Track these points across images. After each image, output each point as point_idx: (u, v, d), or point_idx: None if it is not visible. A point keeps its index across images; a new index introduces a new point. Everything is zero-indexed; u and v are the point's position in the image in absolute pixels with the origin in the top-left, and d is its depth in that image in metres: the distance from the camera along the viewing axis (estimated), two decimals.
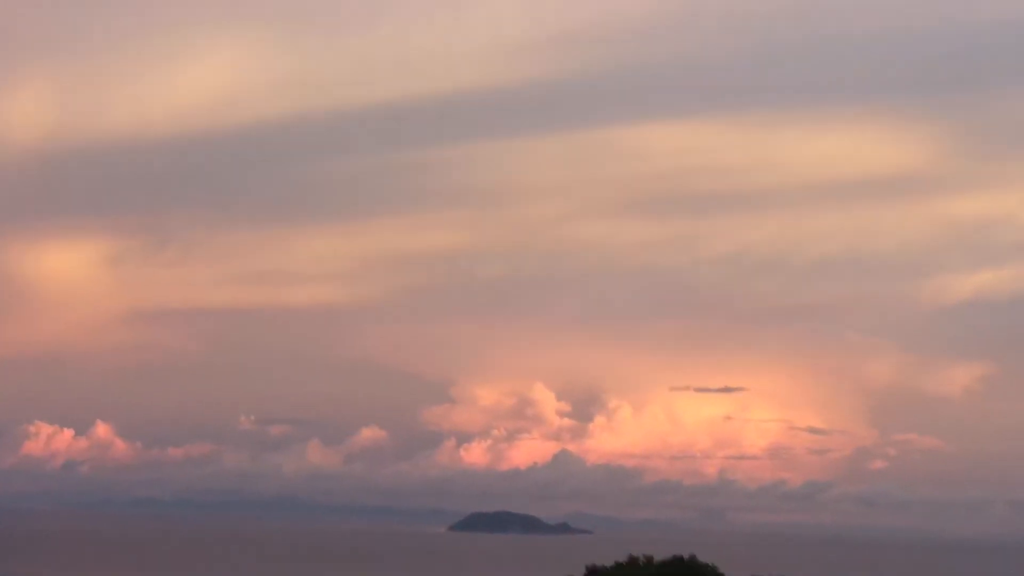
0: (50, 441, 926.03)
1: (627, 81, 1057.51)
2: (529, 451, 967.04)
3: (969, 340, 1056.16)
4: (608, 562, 44.93)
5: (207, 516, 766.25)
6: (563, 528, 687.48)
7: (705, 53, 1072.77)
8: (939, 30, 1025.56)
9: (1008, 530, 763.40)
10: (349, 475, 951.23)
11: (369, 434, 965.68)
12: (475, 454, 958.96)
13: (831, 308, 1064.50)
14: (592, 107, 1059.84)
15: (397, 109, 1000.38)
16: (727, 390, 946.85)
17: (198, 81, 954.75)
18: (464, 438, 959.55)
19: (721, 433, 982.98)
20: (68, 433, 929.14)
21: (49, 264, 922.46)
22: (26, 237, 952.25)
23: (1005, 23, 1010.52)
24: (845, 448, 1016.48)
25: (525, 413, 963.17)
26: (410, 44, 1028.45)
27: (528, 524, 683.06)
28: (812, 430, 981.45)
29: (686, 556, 44.21)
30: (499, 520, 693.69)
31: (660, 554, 44.67)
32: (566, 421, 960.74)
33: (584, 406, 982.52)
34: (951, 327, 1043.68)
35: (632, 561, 44.33)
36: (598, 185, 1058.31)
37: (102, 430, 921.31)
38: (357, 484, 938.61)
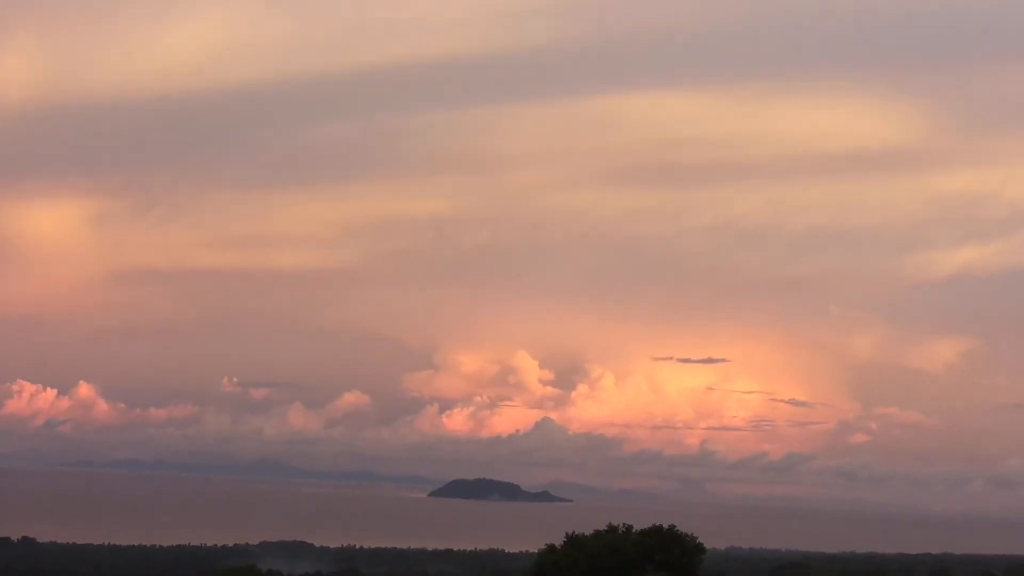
0: (32, 400, 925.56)
1: (615, 51, 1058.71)
2: (511, 419, 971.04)
3: (953, 315, 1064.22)
4: (588, 530, 45.02)
5: (188, 478, 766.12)
6: (544, 496, 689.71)
7: (693, 25, 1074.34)
8: (930, 7, 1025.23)
9: (987, 506, 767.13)
10: (330, 439, 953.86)
11: (351, 399, 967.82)
12: (457, 421, 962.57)
13: (815, 281, 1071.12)
14: (580, 76, 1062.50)
15: (385, 74, 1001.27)
16: (710, 361, 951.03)
17: (186, 42, 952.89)
18: (446, 405, 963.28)
19: (703, 404, 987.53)
20: (51, 393, 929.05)
21: (33, 223, 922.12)
22: (9, 196, 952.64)
23: (995, 2, 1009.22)
24: (827, 421, 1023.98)
25: (507, 381, 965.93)
26: (399, 9, 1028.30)
27: (509, 491, 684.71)
28: (794, 402, 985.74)
29: (666, 526, 44.30)
30: (480, 487, 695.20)
31: (640, 524, 44.73)
32: (548, 389, 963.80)
33: (567, 375, 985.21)
34: (935, 302, 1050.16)
35: (612, 530, 44.39)
36: (584, 155, 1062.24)
37: (85, 390, 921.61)
38: (338, 449, 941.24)
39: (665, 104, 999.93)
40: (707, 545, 46.51)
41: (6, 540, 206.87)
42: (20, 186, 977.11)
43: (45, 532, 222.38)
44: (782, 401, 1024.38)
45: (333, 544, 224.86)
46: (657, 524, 44.79)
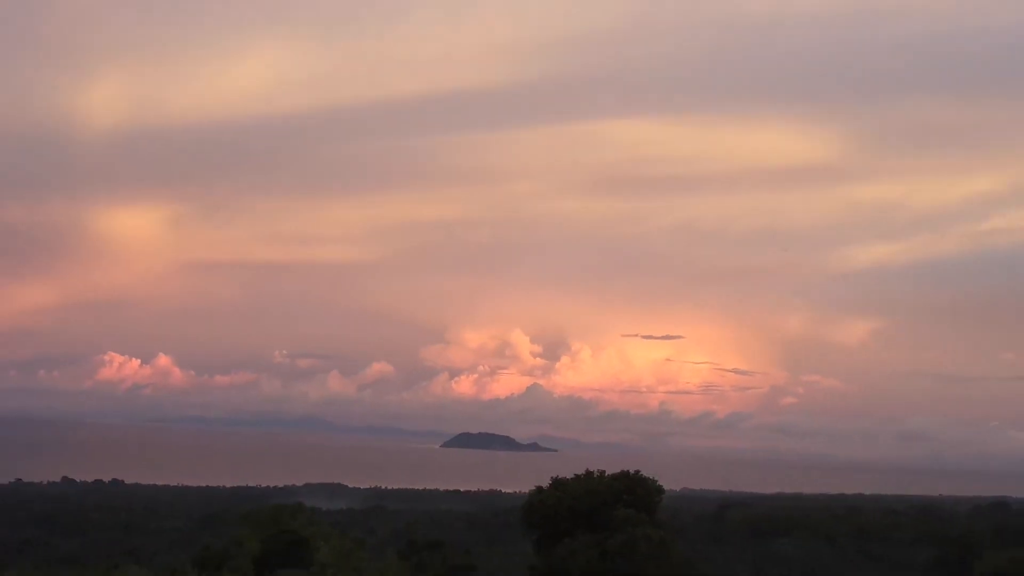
0: (120, 368, 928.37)
1: (594, 86, 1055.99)
2: (507, 384, 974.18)
3: (865, 301, 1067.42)
4: (570, 475, 44.98)
5: (245, 431, 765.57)
6: (534, 447, 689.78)
7: (657, 67, 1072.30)
8: (845, 50, 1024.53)
9: (892, 455, 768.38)
10: (361, 400, 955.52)
11: (378, 368, 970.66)
12: (463, 386, 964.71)
13: (754, 273, 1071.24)
14: (566, 106, 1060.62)
15: (405, 104, 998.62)
16: (668, 337, 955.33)
17: (245, 76, 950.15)
18: (455, 372, 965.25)
19: (662, 372, 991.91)
20: (135, 362, 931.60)
21: (122, 224, 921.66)
22: (104, 201, 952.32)
23: (899, 46, 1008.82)
24: (763, 386, 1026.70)
25: (504, 353, 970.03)
26: (417, 49, 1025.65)
27: (505, 443, 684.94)
28: (736, 371, 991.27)
29: (632, 471, 44.24)
30: (482, 439, 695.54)
31: (611, 469, 44.67)
32: (538, 360, 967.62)
33: (553, 348, 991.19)
34: (851, 290, 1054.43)
35: (589, 474, 44.33)
36: (568, 169, 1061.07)
37: (163, 360, 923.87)
38: (367, 408, 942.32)
39: (635, 129, 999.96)
40: (665, 487, 46.28)
41: (99, 481, 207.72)
42: (111, 194, 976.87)
43: (131, 475, 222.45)
44: (727, 370, 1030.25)
45: (363, 485, 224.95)
46: (625, 470, 44.65)
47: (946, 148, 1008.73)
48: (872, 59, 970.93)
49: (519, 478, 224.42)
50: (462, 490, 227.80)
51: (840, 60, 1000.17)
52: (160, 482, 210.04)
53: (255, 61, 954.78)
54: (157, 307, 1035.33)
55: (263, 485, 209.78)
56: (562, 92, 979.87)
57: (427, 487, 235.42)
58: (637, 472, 44.18)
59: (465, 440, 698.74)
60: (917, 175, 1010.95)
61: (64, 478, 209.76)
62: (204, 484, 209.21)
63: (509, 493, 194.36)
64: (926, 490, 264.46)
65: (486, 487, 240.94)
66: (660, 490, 44.21)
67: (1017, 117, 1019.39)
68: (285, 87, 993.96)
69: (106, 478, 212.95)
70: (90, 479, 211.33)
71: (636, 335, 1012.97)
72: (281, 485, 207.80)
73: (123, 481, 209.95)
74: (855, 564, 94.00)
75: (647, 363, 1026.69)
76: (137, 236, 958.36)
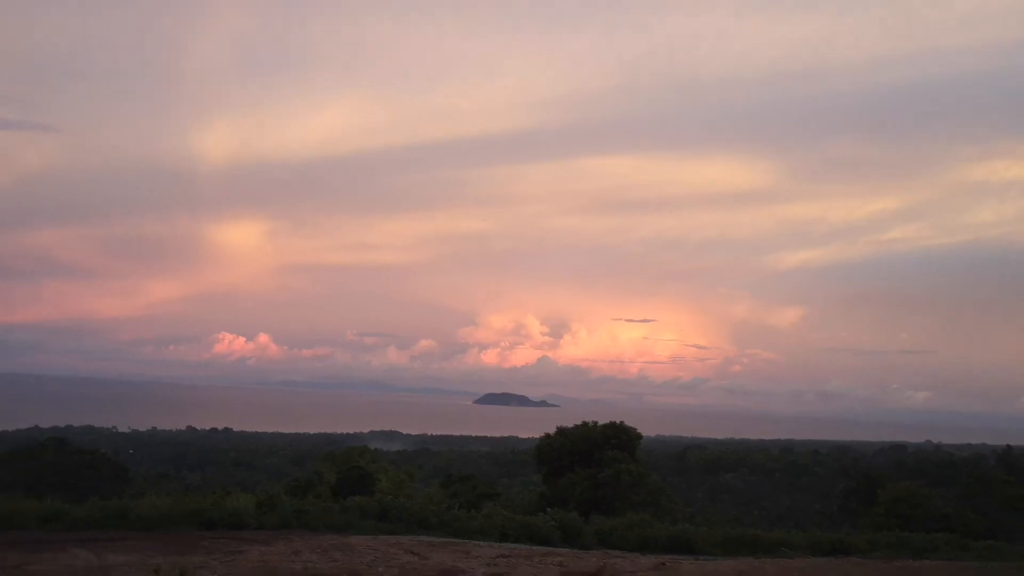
0: (231, 344, 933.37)
1: (587, 131, 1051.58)
2: (523, 355, 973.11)
3: (794, 293, 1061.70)
4: (570, 425, 45.02)
5: (324, 392, 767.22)
6: (543, 404, 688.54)
7: (635, 114, 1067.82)
8: (777, 103, 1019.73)
9: (817, 409, 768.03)
10: (413, 368, 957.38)
11: (425, 343, 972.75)
12: (489, 357, 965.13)
13: (709, 271, 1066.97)
14: (565, 146, 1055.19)
15: (445, 144, 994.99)
16: (645, 320, 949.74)
17: (323, 123, 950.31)
18: (483, 347, 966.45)
19: (640, 347, 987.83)
20: (242, 340, 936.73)
21: (231, 235, 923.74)
22: (218, 218, 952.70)
23: (817, 98, 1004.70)
24: (717, 358, 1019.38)
25: (520, 332, 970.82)
26: (454, 102, 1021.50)
27: (521, 401, 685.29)
28: (697, 346, 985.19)
29: (618, 422, 44.26)
30: (504, 398, 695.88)
31: (602, 420, 44.66)
32: (546, 338, 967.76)
33: (557, 328, 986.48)
34: (783, 285, 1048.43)
35: (584, 424, 44.37)
36: (568, 195, 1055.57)
37: (263, 338, 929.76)
38: (417, 374, 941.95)
39: (618, 164, 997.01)
40: (644, 434, 46.28)
41: (215, 429, 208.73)
42: (223, 213, 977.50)
43: (238, 425, 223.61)
44: (689, 345, 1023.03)
45: (413, 432, 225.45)
46: (612, 421, 44.66)
47: (854, 176, 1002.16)
48: (798, 109, 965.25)
49: (532, 427, 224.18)
50: (488, 436, 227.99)
51: (773, 110, 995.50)
52: (261, 430, 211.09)
53: (332, 111, 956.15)
54: (258, 298, 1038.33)
55: (339, 432, 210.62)
56: (563, 136, 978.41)
57: (461, 434, 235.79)
58: (621, 423, 44.16)
59: (490, 398, 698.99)
60: (832, 198, 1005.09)
61: (188, 427, 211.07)
62: (294, 431, 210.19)
63: (524, 438, 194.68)
64: (842, 436, 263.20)
65: (506, 434, 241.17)
66: (638, 436, 44.21)
67: (907, 152, 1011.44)
68: (353, 131, 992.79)
69: (220, 427, 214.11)
70: (208, 427, 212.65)
71: (621, 319, 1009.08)
72: (351, 432, 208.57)
73: (232, 429, 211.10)
74: (787, 493, 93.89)
75: (629, 340, 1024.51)
76: (242, 245, 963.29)
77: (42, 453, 57.10)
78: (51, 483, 45.62)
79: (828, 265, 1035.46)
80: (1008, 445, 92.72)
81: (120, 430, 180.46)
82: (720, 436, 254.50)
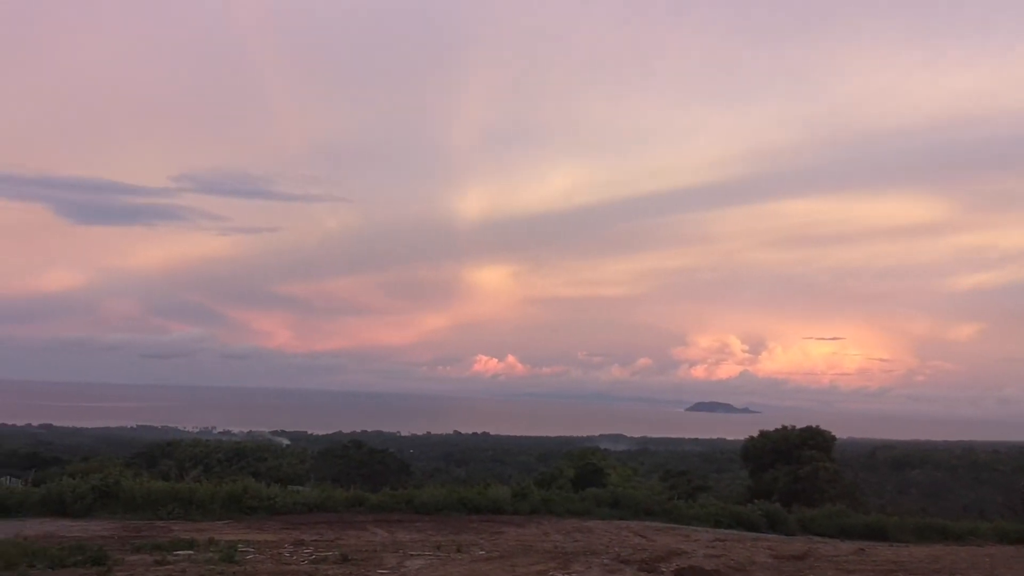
0: (486, 364, 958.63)
1: (774, 180, 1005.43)
2: (727, 370, 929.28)
3: (970, 311, 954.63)
4: (771, 428, 43.27)
5: (559, 403, 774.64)
6: (746, 410, 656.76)
7: (815, 164, 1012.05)
8: (945, 145, 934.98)
9: (995, 413, 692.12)
10: (632, 382, 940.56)
11: (643, 361, 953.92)
12: (698, 371, 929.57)
13: (891, 295, 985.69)
14: (756, 192, 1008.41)
15: (653, 197, 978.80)
16: (834, 339, 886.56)
17: (555, 184, 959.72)
18: (692, 363, 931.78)
19: (830, 361, 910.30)
20: (494, 360, 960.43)
21: (484, 277, 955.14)
22: (475, 264, 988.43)
23: (981, 140, 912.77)
24: (900, 369, 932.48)
25: (724, 350, 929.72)
26: (658, 161, 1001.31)
27: (727, 408, 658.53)
28: (882, 359, 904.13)
29: (814, 426, 41.88)
30: (711, 406, 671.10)
31: (799, 425, 42.39)
32: (747, 355, 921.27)
33: (756, 346, 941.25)
34: (960, 304, 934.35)
35: (784, 428, 42.42)
36: (761, 232, 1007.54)
37: (511, 358, 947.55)
38: (636, 387, 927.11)
39: (803, 205, 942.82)
40: (836, 436, 43.50)
41: (475, 433, 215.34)
42: (478, 259, 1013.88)
43: (493, 429, 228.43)
44: (875, 359, 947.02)
45: (636, 435, 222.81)
46: (809, 425, 42.56)
47: (1021, 207, 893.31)
48: (964, 151, 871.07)
49: (737, 430, 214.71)
50: (699, 438, 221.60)
51: (942, 153, 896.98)
52: (512, 434, 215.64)
53: (561, 174, 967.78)
54: (507, 326, 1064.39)
55: (574, 435, 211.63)
56: (755, 184, 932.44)
57: (676, 436, 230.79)
58: (817, 426, 42.07)
59: (700, 406, 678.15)
60: (1002, 227, 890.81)
61: (455, 431, 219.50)
62: (538, 435, 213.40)
63: (731, 440, 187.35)
64: (1021, 437, 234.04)
65: (715, 436, 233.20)
66: (833, 438, 41.95)
67: None
68: (580, 189, 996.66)
69: (479, 431, 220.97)
70: (470, 432, 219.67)
71: (811, 337, 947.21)
72: (584, 435, 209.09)
73: (489, 433, 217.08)
74: (970, 487, 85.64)
75: (819, 355, 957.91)
76: (494, 284, 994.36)
77: (345, 452, 61.85)
78: (353, 476, 49.49)
79: (1002, 286, 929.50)
80: None
81: (402, 434, 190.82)
82: (905, 438, 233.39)
